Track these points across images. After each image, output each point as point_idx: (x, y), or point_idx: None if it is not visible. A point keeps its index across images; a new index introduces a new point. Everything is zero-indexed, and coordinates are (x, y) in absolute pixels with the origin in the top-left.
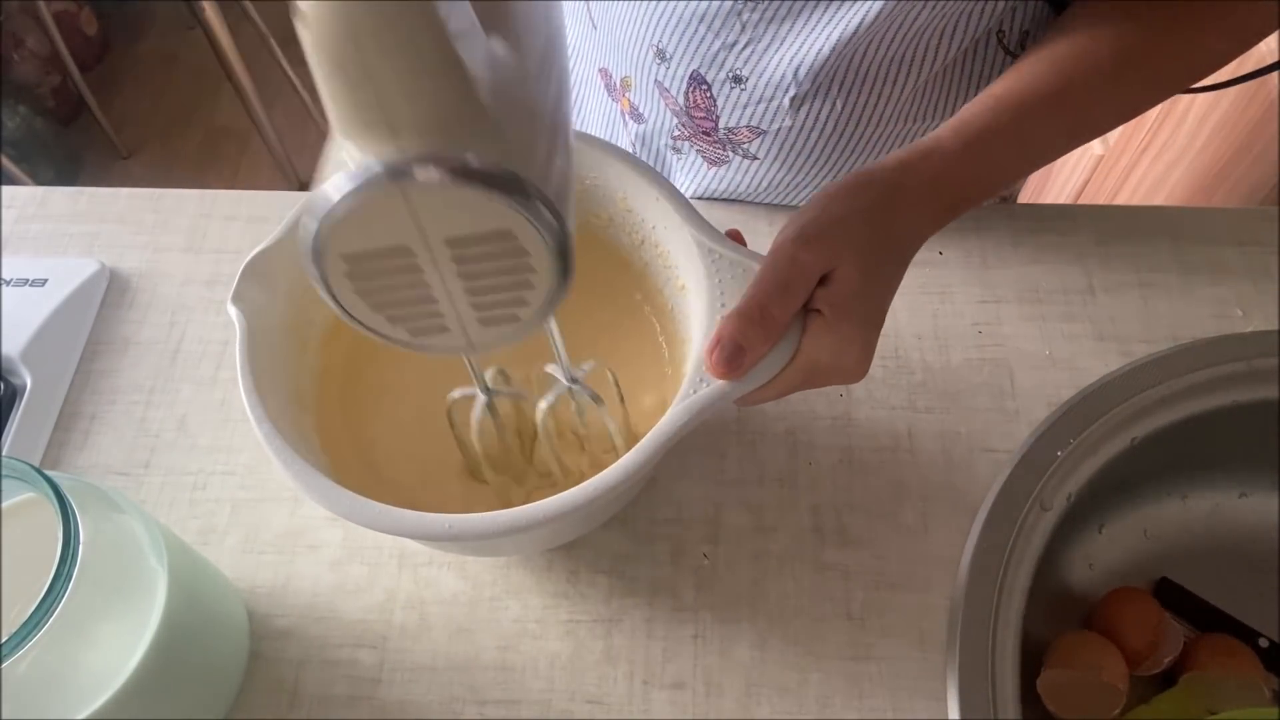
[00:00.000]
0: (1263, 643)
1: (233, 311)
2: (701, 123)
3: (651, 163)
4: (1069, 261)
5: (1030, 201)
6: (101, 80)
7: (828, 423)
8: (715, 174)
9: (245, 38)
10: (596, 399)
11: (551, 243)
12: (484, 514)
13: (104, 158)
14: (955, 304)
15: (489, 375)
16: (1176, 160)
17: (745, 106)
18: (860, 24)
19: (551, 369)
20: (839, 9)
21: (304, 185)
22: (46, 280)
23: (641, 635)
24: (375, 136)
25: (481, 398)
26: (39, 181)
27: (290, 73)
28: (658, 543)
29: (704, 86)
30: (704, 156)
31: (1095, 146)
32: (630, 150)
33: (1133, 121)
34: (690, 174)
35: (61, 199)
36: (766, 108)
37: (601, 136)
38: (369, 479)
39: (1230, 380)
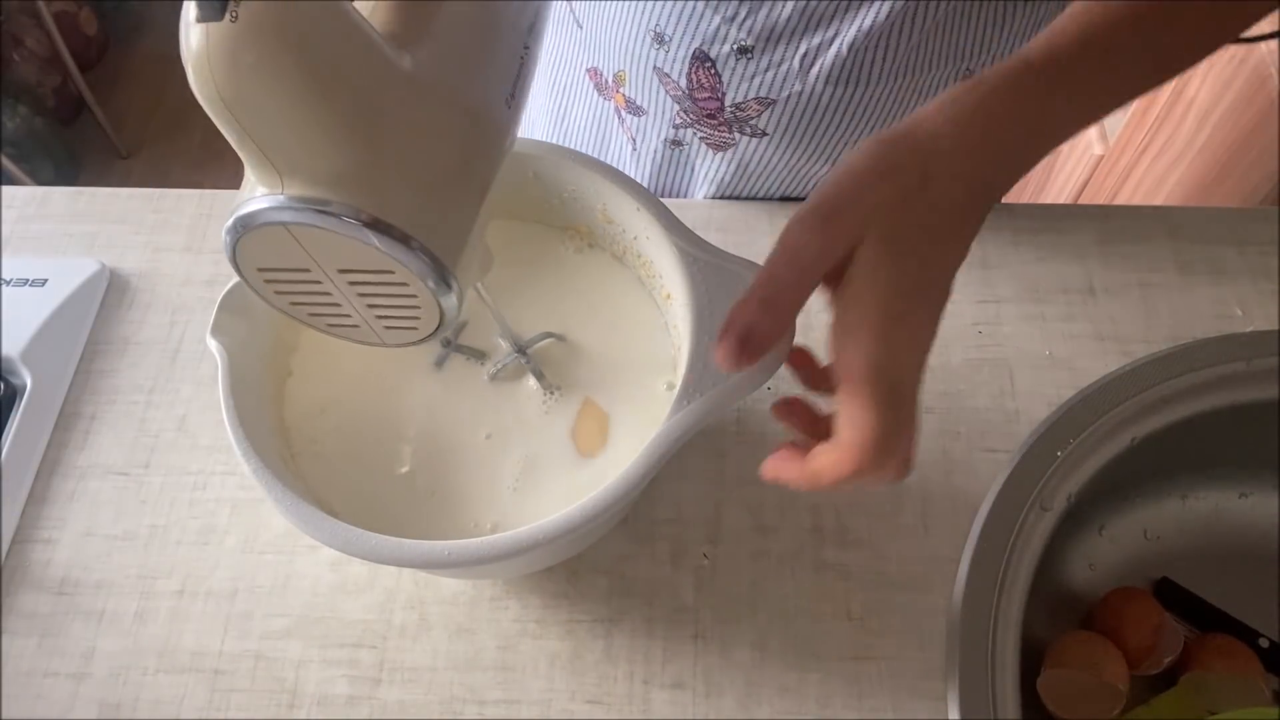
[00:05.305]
0: (1263, 643)
1: (213, 345)
2: (705, 104)
3: (649, 160)
4: (1069, 261)
5: (1030, 201)
6: (101, 80)
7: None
8: (720, 161)
9: None
10: (539, 375)
11: (430, 285)
12: (482, 538)
13: (104, 157)
14: (955, 304)
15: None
16: (1176, 160)
17: (753, 77)
18: None
19: (501, 339)
20: None
21: None
22: (46, 280)
23: (641, 635)
24: (266, 177)
25: (440, 350)
26: (39, 181)
27: None
28: (658, 543)
29: (708, 64)
30: (707, 143)
31: (1095, 146)
32: (629, 146)
33: (1133, 121)
34: (692, 169)
35: (61, 199)
36: (775, 74)
37: (592, 138)
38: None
39: (1230, 380)
